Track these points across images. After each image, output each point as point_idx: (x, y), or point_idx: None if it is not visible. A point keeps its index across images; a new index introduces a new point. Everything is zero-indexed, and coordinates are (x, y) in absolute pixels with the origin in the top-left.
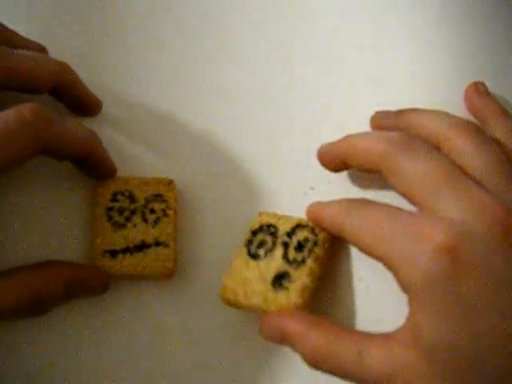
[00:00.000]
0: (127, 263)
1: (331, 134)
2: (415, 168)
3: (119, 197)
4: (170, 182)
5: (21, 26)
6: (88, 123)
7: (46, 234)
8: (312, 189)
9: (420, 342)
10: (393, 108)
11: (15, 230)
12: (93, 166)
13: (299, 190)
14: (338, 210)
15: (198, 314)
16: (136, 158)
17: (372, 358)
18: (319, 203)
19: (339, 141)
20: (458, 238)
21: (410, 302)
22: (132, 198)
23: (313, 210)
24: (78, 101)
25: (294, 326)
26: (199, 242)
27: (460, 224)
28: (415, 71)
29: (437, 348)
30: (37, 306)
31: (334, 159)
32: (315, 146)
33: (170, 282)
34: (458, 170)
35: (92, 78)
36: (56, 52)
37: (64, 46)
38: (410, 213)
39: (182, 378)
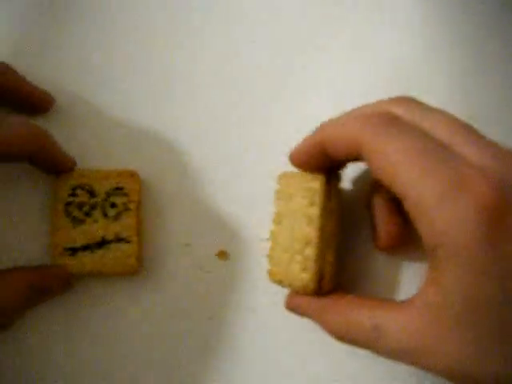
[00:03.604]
0: (88, 261)
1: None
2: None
3: (78, 191)
4: (132, 174)
5: None
6: (47, 118)
7: (7, 233)
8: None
9: (445, 307)
10: None
11: None
12: (45, 162)
13: (270, 179)
14: (358, 124)
15: (165, 311)
16: (101, 152)
17: (390, 331)
18: (327, 122)
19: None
20: (505, 193)
21: (437, 263)
22: (92, 192)
23: (322, 128)
24: (22, 99)
25: (311, 305)
26: (167, 237)
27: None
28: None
29: (465, 314)
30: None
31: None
32: (279, 129)
33: (135, 279)
34: (441, 144)
35: (45, 73)
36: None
37: (12, 42)
38: (443, 146)
39: (145, 376)
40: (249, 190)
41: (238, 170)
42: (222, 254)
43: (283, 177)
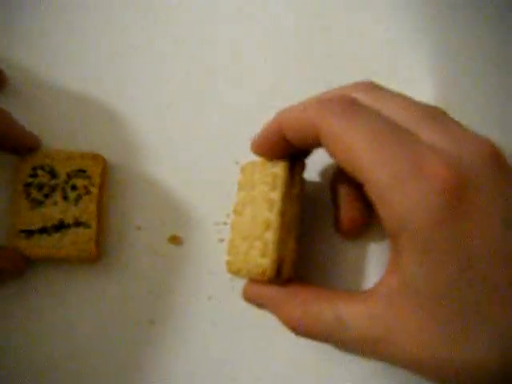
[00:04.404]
0: (43, 244)
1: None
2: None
3: (39, 172)
4: (95, 157)
5: None
6: (7, 99)
7: None
8: (237, 163)
9: (409, 292)
10: None
11: None
12: (6, 143)
13: (229, 163)
14: (315, 109)
15: (118, 297)
16: (64, 135)
17: (352, 320)
18: (285, 108)
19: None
20: (463, 176)
21: (399, 247)
22: (53, 173)
23: (280, 114)
24: None
25: (270, 296)
26: (120, 220)
27: (458, 158)
28: None
29: (429, 297)
30: None
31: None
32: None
33: (94, 266)
34: (400, 128)
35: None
36: None
37: None
38: (402, 129)
39: (99, 364)
40: (207, 176)
41: (199, 156)
42: (175, 239)
43: (246, 166)
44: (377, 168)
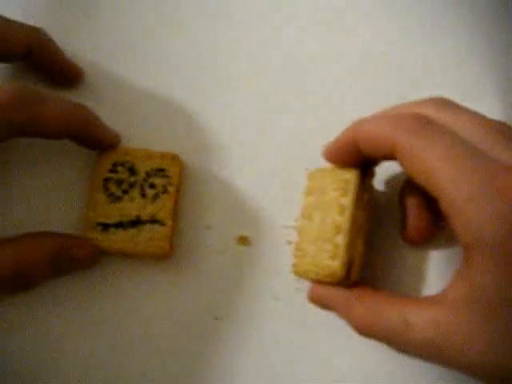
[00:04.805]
0: (119, 239)
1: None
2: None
3: (119, 168)
4: (174, 157)
5: None
6: (93, 96)
7: (45, 202)
8: (306, 169)
9: (479, 301)
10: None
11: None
12: (88, 140)
13: (299, 168)
14: (391, 126)
15: (185, 295)
16: (144, 133)
17: (418, 324)
18: (356, 121)
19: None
20: None
21: (472, 258)
22: (132, 171)
23: (355, 125)
24: (55, 68)
25: (337, 297)
26: (201, 222)
27: None
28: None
29: (500, 307)
30: (22, 280)
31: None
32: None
33: (164, 263)
34: (474, 145)
35: (82, 49)
36: (36, 22)
37: (44, 16)
38: (475, 147)
39: (162, 361)
40: (278, 180)
41: (270, 160)
42: (243, 240)
43: (314, 173)
44: (454, 186)
